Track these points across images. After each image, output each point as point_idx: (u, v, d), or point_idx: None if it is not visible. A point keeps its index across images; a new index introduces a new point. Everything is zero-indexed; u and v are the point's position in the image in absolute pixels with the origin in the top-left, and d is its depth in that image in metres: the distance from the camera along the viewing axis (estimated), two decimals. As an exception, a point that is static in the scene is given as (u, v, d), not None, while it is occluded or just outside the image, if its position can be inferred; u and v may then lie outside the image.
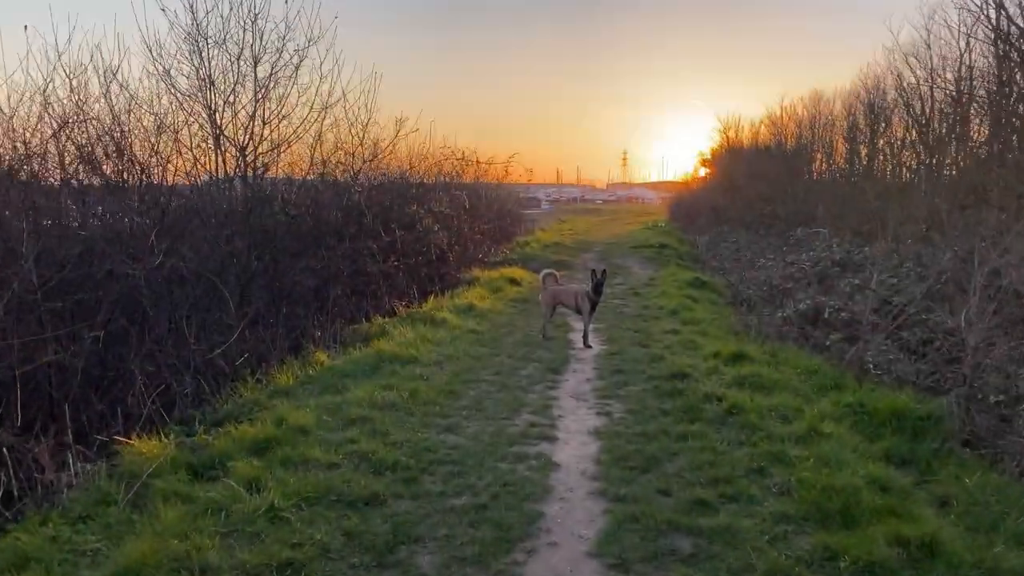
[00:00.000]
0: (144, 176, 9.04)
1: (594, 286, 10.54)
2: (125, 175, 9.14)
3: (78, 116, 8.52)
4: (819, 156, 32.48)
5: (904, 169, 25.05)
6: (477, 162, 18.34)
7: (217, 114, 11.24)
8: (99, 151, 8.57)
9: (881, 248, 12.42)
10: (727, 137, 40.90)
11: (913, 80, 22.10)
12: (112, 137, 8.61)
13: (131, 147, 9.43)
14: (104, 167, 8.63)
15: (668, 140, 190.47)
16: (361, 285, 11.45)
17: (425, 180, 15.10)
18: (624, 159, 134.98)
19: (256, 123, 11.20)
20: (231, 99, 11.20)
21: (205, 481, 5.19)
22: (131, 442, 5.66)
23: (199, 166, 11.03)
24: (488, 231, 18.32)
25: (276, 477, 5.11)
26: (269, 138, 11.57)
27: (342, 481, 5.14)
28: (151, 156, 9.74)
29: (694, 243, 30.00)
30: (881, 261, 11.94)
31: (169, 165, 10.64)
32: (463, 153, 17.49)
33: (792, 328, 11.34)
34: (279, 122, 11.40)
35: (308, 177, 11.98)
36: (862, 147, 28.40)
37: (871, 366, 8.62)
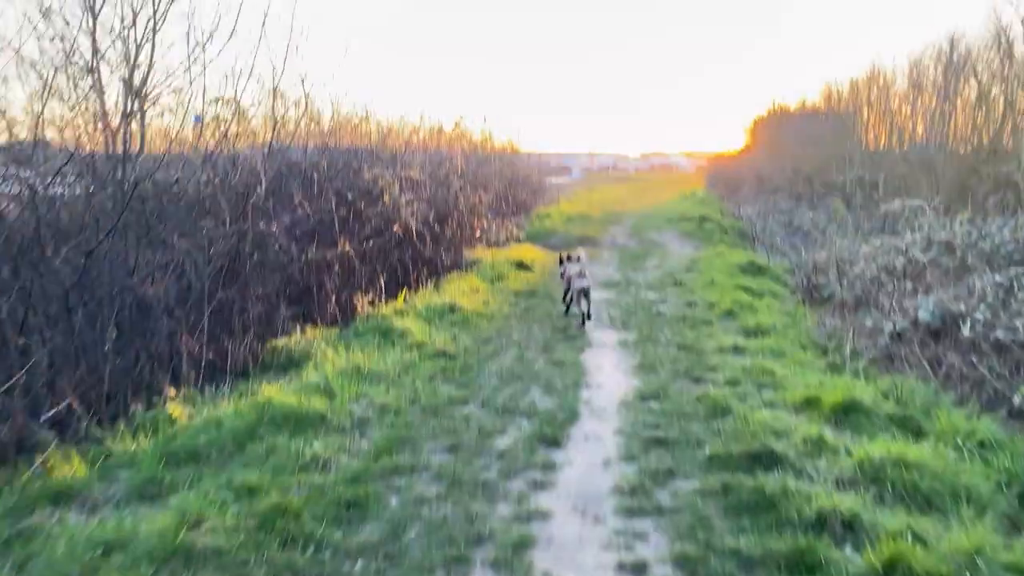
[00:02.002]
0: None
1: None
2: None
3: None
4: (874, 118, 28.10)
5: (987, 129, 20.82)
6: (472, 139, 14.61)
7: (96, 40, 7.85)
8: None
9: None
10: (774, 102, 36.43)
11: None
12: None
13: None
14: None
15: (705, 107, 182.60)
16: (297, 281, 8.01)
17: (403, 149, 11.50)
18: (659, 127, 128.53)
19: (144, 54, 7.75)
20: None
21: None
22: None
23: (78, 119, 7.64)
24: (493, 202, 14.72)
25: None
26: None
27: None
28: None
29: (738, 215, 26.02)
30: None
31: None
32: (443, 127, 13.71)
33: (910, 347, 7.64)
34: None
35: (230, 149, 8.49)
36: (932, 101, 24.03)
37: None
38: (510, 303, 9.90)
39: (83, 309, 5.50)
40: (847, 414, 5.70)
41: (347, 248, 8.14)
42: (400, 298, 9.33)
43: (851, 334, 8.31)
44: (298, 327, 7.85)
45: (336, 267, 8.23)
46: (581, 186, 42.38)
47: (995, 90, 20.24)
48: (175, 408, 5.25)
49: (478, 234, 12.88)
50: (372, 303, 9.43)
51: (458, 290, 9.94)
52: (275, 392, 5.36)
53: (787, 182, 29.87)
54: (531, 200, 21.48)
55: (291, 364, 6.91)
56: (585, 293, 8.83)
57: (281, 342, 7.32)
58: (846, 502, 4.06)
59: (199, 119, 10.02)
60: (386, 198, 8.85)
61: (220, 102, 7.80)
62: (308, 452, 4.56)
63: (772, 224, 23.03)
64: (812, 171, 28.99)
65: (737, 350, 7.84)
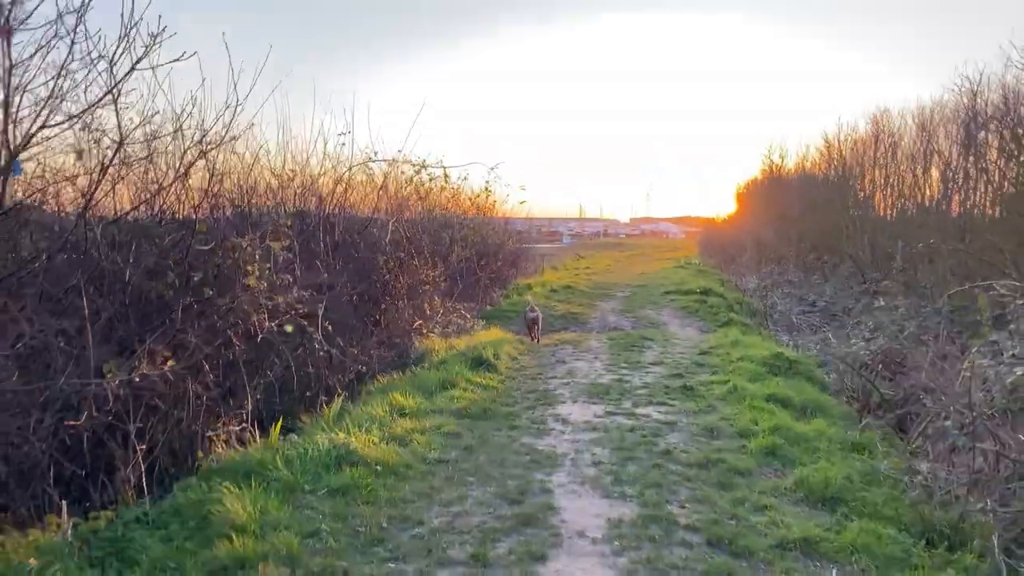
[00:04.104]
0: None
1: None
2: None
3: None
4: (880, 177, 25.18)
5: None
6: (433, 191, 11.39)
7: None
8: None
9: None
10: (770, 164, 33.78)
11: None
12: None
13: None
14: None
15: (696, 172, 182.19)
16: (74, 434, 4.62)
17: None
18: (648, 193, 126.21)
19: None
20: None
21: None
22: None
23: None
24: (450, 276, 11.38)
25: None
26: None
27: None
28: None
29: (743, 288, 22.87)
30: None
31: None
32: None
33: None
34: None
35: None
36: (954, 156, 21.18)
37: None
38: (447, 436, 6.47)
39: None
40: None
41: (167, 364, 4.80)
42: (274, 434, 5.92)
43: (986, 507, 4.91)
44: (64, 509, 4.41)
45: (149, 399, 4.85)
46: (569, 253, 39.41)
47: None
48: None
49: (416, 324, 9.49)
50: (244, 435, 6.07)
51: (371, 416, 6.53)
52: None
53: (792, 250, 26.86)
54: (508, 271, 18.25)
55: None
56: (535, 321, 11.78)
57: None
58: None
59: (18, 167, 6.81)
60: (251, 281, 5.60)
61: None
62: None
63: (783, 300, 19.85)
64: (817, 239, 26.02)
65: (810, 548, 4.45)
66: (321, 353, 6.57)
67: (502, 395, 8.26)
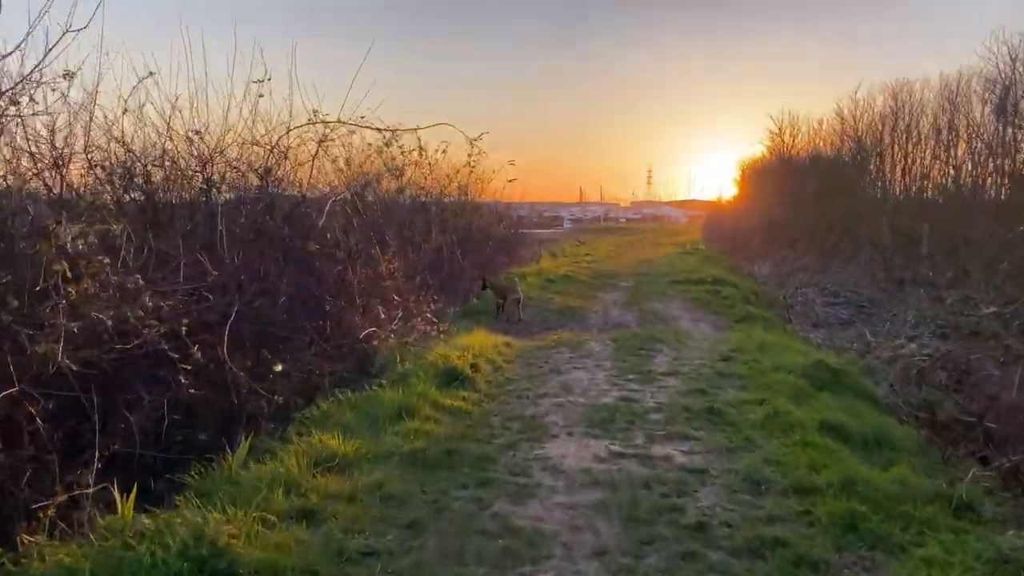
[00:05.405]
0: None
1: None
2: None
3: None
4: (899, 152, 23.02)
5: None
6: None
7: None
8: None
9: None
10: (780, 142, 31.57)
11: None
12: None
13: None
14: None
15: (697, 156, 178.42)
16: None
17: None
18: (649, 176, 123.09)
19: None
20: None
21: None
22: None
23: None
24: (419, 267, 9.30)
25: None
26: None
27: None
28: None
29: (759, 277, 20.86)
30: None
31: None
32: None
33: None
34: None
35: None
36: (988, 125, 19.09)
37: None
38: (387, 503, 4.50)
39: None
40: None
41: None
42: (126, 510, 3.96)
43: None
44: None
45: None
46: (569, 238, 37.33)
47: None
48: None
49: (367, 331, 7.41)
50: (109, 503, 4.12)
51: (275, 475, 4.55)
52: None
53: (807, 235, 24.80)
54: (498, 260, 16.21)
55: None
56: (517, 302, 12.12)
57: None
58: None
59: None
60: (87, 285, 3.62)
61: None
62: None
63: (802, 288, 17.84)
64: (833, 221, 23.97)
65: None
66: (191, 390, 4.57)
67: (476, 425, 6.29)
